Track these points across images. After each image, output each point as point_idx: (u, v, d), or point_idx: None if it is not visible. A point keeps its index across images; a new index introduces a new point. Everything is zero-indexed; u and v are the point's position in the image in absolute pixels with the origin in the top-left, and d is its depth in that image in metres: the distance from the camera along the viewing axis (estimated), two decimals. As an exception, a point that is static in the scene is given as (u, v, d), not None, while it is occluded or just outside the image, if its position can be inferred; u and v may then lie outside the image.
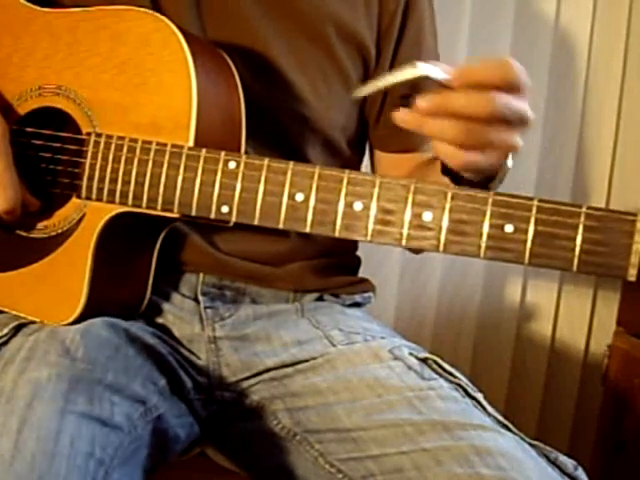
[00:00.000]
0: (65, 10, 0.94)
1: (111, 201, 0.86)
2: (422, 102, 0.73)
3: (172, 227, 0.92)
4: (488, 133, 0.75)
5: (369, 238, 0.75)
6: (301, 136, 1.03)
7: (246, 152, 0.88)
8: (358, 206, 0.75)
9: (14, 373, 0.79)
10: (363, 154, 1.16)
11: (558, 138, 1.73)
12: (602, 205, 1.73)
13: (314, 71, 1.02)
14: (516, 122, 0.75)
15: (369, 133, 1.13)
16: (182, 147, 0.83)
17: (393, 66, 1.09)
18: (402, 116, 0.75)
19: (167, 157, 0.83)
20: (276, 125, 1.01)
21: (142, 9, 0.88)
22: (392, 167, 1.12)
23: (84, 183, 0.88)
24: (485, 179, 0.85)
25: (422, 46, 1.10)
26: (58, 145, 0.93)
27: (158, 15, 0.87)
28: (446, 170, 0.86)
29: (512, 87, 0.74)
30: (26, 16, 0.95)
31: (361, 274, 1.16)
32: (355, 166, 1.14)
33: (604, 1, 1.69)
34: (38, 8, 0.95)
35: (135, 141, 0.85)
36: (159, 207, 0.84)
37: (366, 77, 1.08)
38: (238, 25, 0.98)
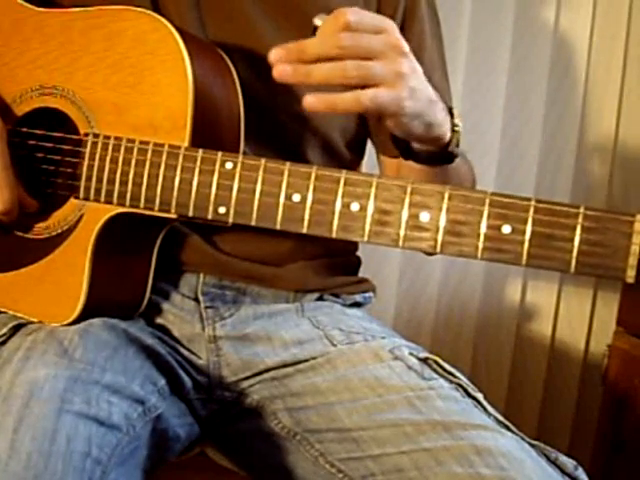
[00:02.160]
0: (60, 10, 0.93)
1: (109, 202, 0.86)
2: (275, 53, 0.76)
3: (172, 227, 0.92)
4: (369, 64, 0.77)
5: (366, 239, 0.74)
6: (300, 137, 1.03)
7: (245, 153, 0.88)
8: (355, 207, 0.75)
9: (11, 373, 0.79)
10: (362, 156, 1.16)
11: (558, 138, 1.73)
12: (602, 206, 1.73)
13: None
14: (386, 50, 0.78)
15: (372, 137, 1.13)
16: (179, 148, 0.83)
17: None
18: (281, 72, 0.76)
19: (164, 158, 0.83)
20: (276, 125, 1.00)
21: (138, 9, 0.87)
22: (392, 171, 1.12)
23: (82, 184, 0.88)
24: (439, 149, 0.87)
25: (424, 52, 1.10)
26: (56, 146, 0.93)
27: (154, 14, 0.86)
28: (396, 142, 0.88)
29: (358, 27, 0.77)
30: (19, 15, 0.95)
31: (361, 274, 1.16)
32: (354, 168, 1.14)
33: (603, 4, 1.69)
34: (33, 8, 0.95)
35: (132, 142, 0.85)
36: (156, 208, 0.84)
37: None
38: (239, 24, 0.98)
